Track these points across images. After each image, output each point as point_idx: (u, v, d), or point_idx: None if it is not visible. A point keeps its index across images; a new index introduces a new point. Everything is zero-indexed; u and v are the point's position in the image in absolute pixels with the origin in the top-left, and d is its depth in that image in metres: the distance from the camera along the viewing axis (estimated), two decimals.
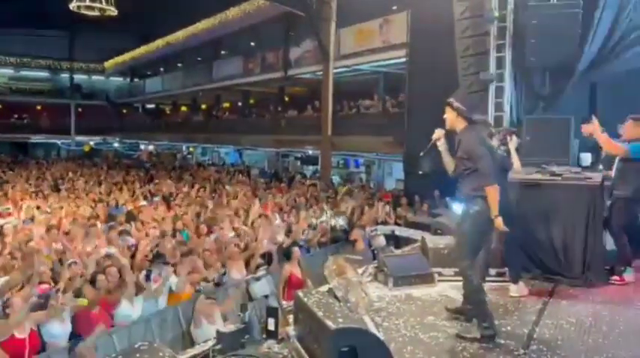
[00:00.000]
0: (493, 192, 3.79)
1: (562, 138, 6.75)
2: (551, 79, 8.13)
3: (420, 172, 10.61)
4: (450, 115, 4.03)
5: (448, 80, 8.55)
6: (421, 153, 4.24)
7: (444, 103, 4.06)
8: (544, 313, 4.45)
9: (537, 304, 4.66)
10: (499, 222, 3.82)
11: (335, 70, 18.08)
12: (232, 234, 8.73)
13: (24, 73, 37.53)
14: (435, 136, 4.11)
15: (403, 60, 14.27)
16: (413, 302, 4.75)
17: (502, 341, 3.85)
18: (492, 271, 5.20)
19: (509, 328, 4.13)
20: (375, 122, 16.74)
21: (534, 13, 7.52)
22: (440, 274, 5.29)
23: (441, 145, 4.12)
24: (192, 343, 5.15)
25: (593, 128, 5.29)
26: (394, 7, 16.04)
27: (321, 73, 18.51)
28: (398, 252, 5.73)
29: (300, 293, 3.60)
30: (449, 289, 5.04)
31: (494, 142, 5.02)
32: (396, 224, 9.93)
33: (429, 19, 10.50)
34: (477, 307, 3.93)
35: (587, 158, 6.49)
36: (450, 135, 4.14)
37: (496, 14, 7.91)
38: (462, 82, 8.46)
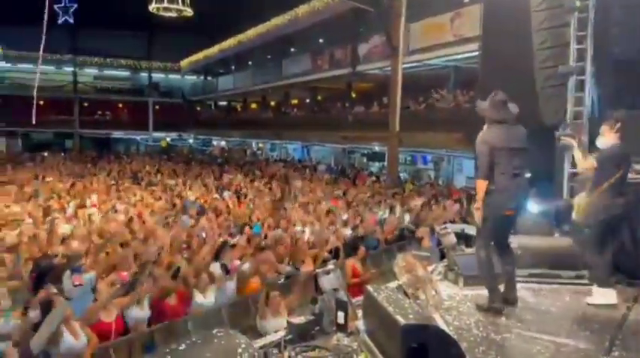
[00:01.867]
0: (478, 185, 4.29)
1: None
2: (636, 71, 7.63)
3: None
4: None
5: (523, 74, 8.21)
6: None
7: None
8: (628, 318, 4.21)
9: (621, 309, 4.42)
10: (476, 214, 4.32)
11: (404, 65, 17.87)
12: (300, 228, 8.89)
13: (107, 72, 39.76)
14: None
15: (475, 54, 13.88)
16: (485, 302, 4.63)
17: (581, 346, 3.69)
18: (571, 273, 4.99)
19: (588, 333, 3.95)
20: (444, 117, 16.40)
21: (618, 2, 7.08)
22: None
23: None
24: (258, 334, 5.29)
25: None
26: (466, 0, 15.63)
27: (390, 68, 18.36)
28: (469, 250, 5.60)
29: (371, 289, 3.62)
30: (522, 290, 4.88)
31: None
32: (465, 222, 9.70)
33: (503, 10, 10.16)
34: (485, 280, 4.39)
35: None
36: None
37: (577, 4, 7.51)
38: (538, 75, 8.11)
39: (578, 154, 4.89)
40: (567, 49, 7.72)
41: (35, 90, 18.63)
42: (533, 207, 6.54)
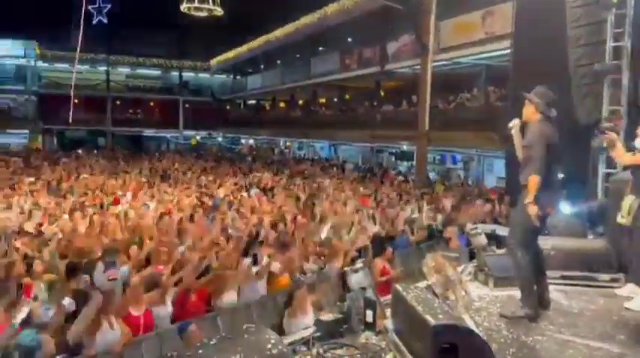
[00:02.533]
0: (533, 181, 3.99)
1: None
2: None
3: None
4: (527, 109, 4.22)
5: (556, 72, 8.05)
6: None
7: (521, 97, 4.29)
8: None
9: None
10: (531, 209, 3.99)
11: (434, 64, 17.71)
12: (328, 227, 8.89)
13: (138, 71, 40.54)
14: (510, 124, 4.35)
15: (507, 51, 13.66)
16: (515, 303, 4.57)
17: (615, 350, 3.61)
18: (606, 276, 4.87)
19: (623, 337, 3.85)
20: (474, 116, 16.19)
21: None
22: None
23: (515, 134, 4.32)
24: (288, 331, 5.31)
25: None
26: None
27: (419, 67, 18.21)
28: (500, 251, 5.52)
29: (399, 288, 3.61)
30: (554, 292, 4.79)
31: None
32: (496, 223, 9.56)
33: (536, 8, 9.98)
34: (521, 285, 4.20)
35: None
36: None
37: (614, 0, 7.32)
38: (573, 73, 7.94)
39: (620, 150, 4.66)
40: (603, 46, 7.54)
41: (72, 90, 19.13)
42: (566, 208, 6.42)
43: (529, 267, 4.13)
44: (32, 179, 14.44)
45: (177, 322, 5.42)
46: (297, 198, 12.23)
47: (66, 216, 9.31)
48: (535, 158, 4.04)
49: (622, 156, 4.72)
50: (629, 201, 4.55)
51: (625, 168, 5.19)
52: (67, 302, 4.83)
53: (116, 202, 11.37)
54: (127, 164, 21.82)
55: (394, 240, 8.34)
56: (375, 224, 9.49)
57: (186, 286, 5.81)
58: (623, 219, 4.56)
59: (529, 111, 4.21)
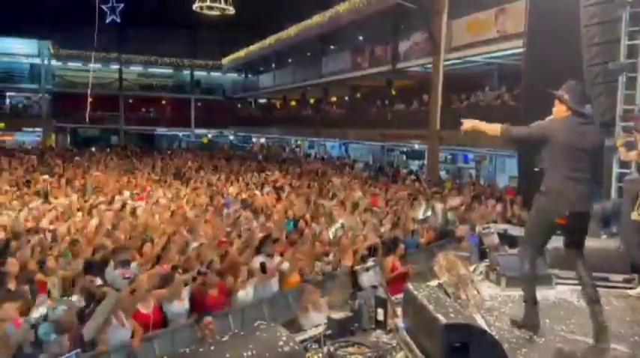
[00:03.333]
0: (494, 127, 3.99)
1: None
2: None
3: (537, 169, 10.03)
4: (558, 108, 3.82)
5: (569, 70, 7.97)
6: None
7: (552, 96, 3.87)
8: None
9: None
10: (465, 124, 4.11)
11: (446, 62, 17.62)
12: (339, 225, 8.91)
13: (151, 70, 40.73)
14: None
15: (520, 50, 13.57)
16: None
17: (626, 350, 3.59)
18: (619, 277, 4.83)
19: (636, 338, 3.82)
20: (487, 115, 15.99)
21: None
22: (557, 276, 5.00)
23: None
24: (299, 329, 5.34)
25: None
26: None
27: (431, 65, 18.13)
28: (511, 251, 5.49)
29: (411, 287, 3.61)
30: (567, 292, 4.76)
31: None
32: (508, 222, 9.51)
33: (549, 6, 9.92)
34: (525, 294, 3.88)
35: None
36: None
37: None
38: (586, 72, 7.86)
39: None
40: (618, 45, 7.46)
41: (89, 89, 19.31)
42: None
43: (532, 280, 3.88)
44: (46, 176, 14.58)
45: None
46: (308, 197, 12.25)
47: (79, 214, 9.42)
48: (524, 132, 3.93)
49: None
50: None
51: None
52: (76, 299, 4.91)
53: (140, 198, 11.50)
54: (139, 162, 21.97)
55: (405, 240, 8.33)
56: (384, 223, 9.49)
57: (201, 283, 5.86)
58: (638, 216, 4.54)
59: (560, 110, 3.78)
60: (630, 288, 4.73)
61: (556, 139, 3.68)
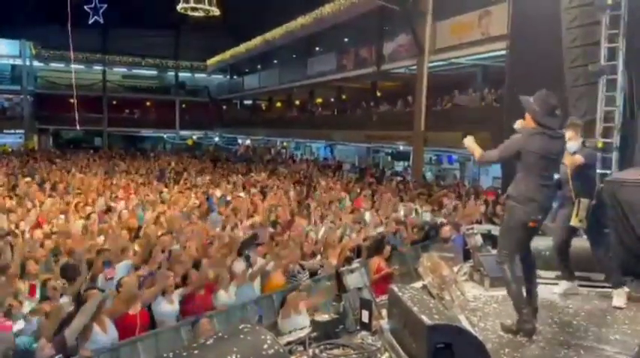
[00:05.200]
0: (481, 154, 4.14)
1: None
2: None
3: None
4: (528, 121, 4.00)
5: (551, 73, 8.10)
6: None
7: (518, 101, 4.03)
8: None
9: None
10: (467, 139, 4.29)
11: (430, 64, 17.73)
12: (324, 226, 8.91)
13: (135, 71, 40.38)
14: (515, 126, 4.17)
15: (503, 52, 13.71)
16: (510, 304, 4.58)
17: (608, 348, 3.64)
18: (599, 276, 4.89)
19: (617, 337, 3.88)
20: (470, 117, 16.20)
21: None
22: (539, 276, 5.04)
23: None
24: (280, 332, 5.30)
25: None
26: None
27: (415, 67, 18.23)
28: (495, 252, 5.54)
29: (395, 288, 3.62)
30: (549, 293, 4.81)
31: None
32: (491, 223, 9.59)
33: (531, 9, 10.03)
34: (512, 299, 3.96)
35: None
36: None
37: (609, 1, 7.36)
38: (568, 74, 7.98)
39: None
40: (598, 47, 7.58)
41: (74, 91, 19.06)
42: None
43: (517, 283, 3.95)
44: (29, 179, 14.35)
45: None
46: (294, 199, 12.24)
47: (62, 217, 9.29)
48: (494, 155, 4.11)
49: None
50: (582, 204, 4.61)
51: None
52: (64, 303, 4.83)
53: (111, 202, 11.34)
54: (123, 164, 21.76)
55: (389, 240, 8.34)
56: (370, 224, 9.51)
57: (192, 286, 5.81)
58: (579, 222, 4.63)
59: (530, 123, 3.95)
60: (610, 288, 4.77)
61: (529, 151, 3.88)
